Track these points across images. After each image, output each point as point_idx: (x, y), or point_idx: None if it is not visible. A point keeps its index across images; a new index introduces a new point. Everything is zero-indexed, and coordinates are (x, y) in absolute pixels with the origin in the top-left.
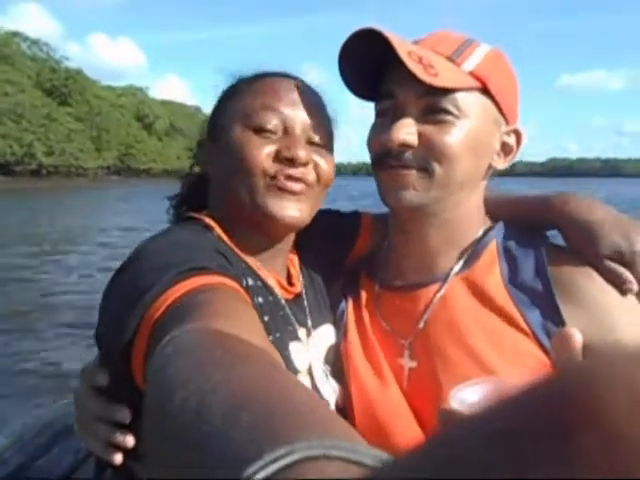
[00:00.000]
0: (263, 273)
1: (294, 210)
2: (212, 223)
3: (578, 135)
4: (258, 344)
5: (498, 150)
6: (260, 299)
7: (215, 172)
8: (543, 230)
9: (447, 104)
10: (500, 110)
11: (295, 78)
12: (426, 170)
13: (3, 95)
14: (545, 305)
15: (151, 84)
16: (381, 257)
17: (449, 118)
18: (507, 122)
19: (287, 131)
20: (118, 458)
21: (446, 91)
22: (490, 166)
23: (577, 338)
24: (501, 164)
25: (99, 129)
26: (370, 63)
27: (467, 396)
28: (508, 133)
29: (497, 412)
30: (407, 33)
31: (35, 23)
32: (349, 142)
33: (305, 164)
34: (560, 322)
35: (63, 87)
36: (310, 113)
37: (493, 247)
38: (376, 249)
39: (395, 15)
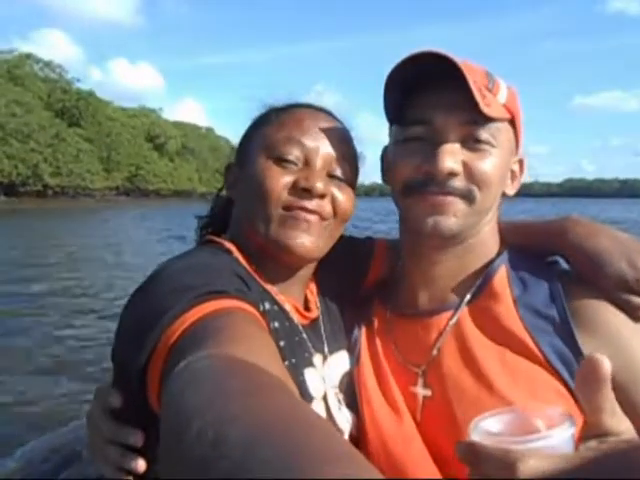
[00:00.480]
0: (280, 298)
1: (305, 242)
2: (232, 247)
3: (594, 156)
4: (274, 372)
5: (509, 176)
6: (276, 324)
7: (237, 197)
8: (549, 256)
9: (488, 133)
10: (516, 141)
11: (323, 110)
12: (468, 197)
13: (10, 116)
14: (561, 334)
15: (168, 107)
16: (393, 284)
17: (487, 147)
18: (517, 149)
19: (308, 163)
20: None
21: (487, 120)
22: (503, 193)
23: (606, 366)
24: (510, 190)
25: (109, 149)
26: (401, 87)
27: (489, 426)
28: (515, 162)
29: None
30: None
31: (58, 49)
32: (361, 163)
33: (322, 196)
34: (577, 352)
35: (74, 108)
36: (333, 146)
37: (503, 273)
38: (389, 275)
39: (410, 39)
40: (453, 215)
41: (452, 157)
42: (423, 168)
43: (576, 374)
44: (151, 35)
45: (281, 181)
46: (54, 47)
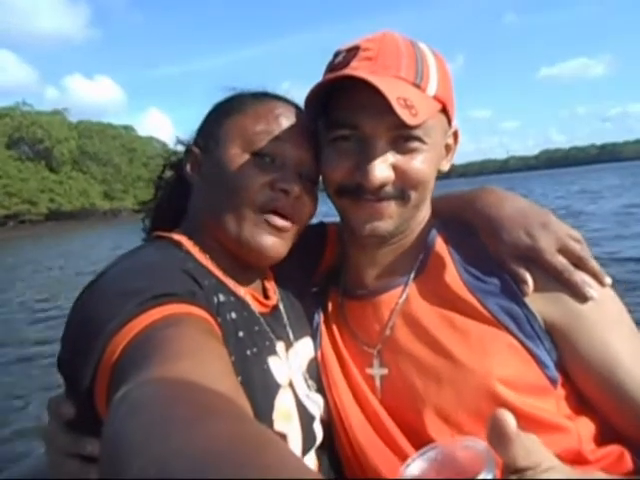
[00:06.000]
0: (237, 288)
1: (276, 245)
2: (182, 239)
3: (563, 126)
4: (224, 386)
5: (444, 154)
6: (233, 314)
7: (201, 185)
8: (465, 224)
9: (418, 134)
10: (448, 120)
11: (295, 106)
12: (402, 198)
13: None
14: (506, 294)
15: (133, 120)
16: (342, 267)
17: (419, 145)
18: (450, 126)
19: (284, 162)
20: None
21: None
22: (438, 171)
23: (512, 422)
24: (446, 166)
25: None
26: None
27: (416, 469)
28: (450, 135)
29: None
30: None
31: (8, 71)
32: None
33: (297, 198)
34: (524, 307)
35: None
36: (305, 146)
37: (441, 243)
38: (340, 259)
39: (377, 25)
40: (389, 217)
41: (383, 165)
42: (354, 177)
43: (487, 430)
44: (106, 48)
45: (258, 179)
46: (4, 69)
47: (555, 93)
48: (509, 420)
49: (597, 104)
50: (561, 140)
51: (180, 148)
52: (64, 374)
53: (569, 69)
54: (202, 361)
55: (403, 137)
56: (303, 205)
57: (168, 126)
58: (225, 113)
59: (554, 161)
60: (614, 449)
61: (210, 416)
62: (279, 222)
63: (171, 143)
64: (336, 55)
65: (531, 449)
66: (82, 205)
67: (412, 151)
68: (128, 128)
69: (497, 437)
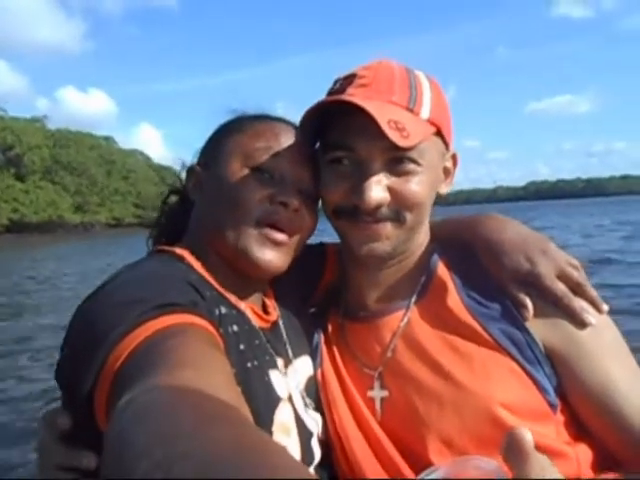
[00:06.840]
0: (237, 302)
1: (274, 259)
2: (184, 253)
3: (549, 158)
4: (227, 395)
5: (442, 178)
6: (235, 327)
7: (202, 201)
8: (468, 248)
9: (412, 156)
10: (445, 143)
11: (293, 125)
12: (398, 220)
13: None
14: (507, 319)
15: (123, 133)
16: (343, 288)
17: (413, 167)
18: (447, 149)
19: (283, 177)
20: None
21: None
22: (437, 194)
23: (529, 437)
24: (445, 189)
25: None
26: (319, 111)
27: None
28: (448, 159)
29: None
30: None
31: (1, 80)
32: None
33: (296, 211)
34: (526, 332)
35: None
36: (304, 163)
37: (443, 267)
38: (340, 280)
39: (371, 52)
40: (386, 239)
41: (378, 187)
42: (351, 199)
43: (503, 446)
44: (100, 61)
45: (257, 193)
46: None
47: (542, 127)
48: (527, 437)
49: (582, 140)
50: (547, 172)
51: (166, 163)
52: (62, 383)
53: (556, 105)
54: (205, 371)
55: (397, 159)
56: (302, 219)
57: (158, 142)
58: (225, 133)
59: (541, 193)
60: (611, 476)
61: (215, 422)
62: (277, 236)
63: (157, 158)
64: (335, 82)
65: (545, 467)
66: (49, 217)
67: (407, 173)
68: (109, 139)
69: (514, 453)
